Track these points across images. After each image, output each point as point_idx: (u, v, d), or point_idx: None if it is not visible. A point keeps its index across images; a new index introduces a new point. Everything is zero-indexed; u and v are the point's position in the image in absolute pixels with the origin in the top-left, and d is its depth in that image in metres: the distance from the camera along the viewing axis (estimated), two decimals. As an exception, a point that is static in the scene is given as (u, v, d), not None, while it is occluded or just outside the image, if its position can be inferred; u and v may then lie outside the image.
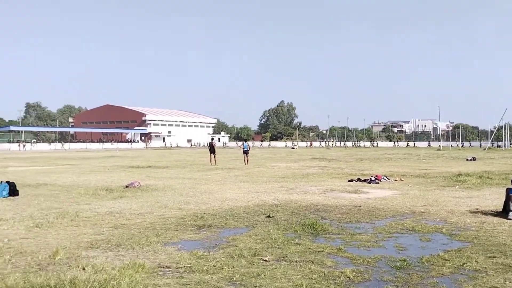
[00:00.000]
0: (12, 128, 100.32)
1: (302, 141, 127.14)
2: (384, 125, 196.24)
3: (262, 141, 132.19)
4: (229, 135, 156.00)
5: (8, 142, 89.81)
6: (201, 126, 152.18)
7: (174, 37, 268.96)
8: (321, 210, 10.45)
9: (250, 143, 45.10)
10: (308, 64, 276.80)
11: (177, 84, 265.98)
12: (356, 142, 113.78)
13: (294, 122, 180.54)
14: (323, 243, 7.17)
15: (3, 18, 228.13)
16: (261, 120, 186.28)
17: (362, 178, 17.68)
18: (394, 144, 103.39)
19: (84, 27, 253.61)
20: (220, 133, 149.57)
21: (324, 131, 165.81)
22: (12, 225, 8.61)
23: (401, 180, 17.69)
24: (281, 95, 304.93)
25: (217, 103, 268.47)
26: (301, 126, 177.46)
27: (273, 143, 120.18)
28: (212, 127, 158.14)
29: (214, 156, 29.53)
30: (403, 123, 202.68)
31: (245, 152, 30.20)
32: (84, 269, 5.68)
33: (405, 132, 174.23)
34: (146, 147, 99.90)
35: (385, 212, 10.10)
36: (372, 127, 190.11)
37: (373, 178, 17.16)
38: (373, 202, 11.66)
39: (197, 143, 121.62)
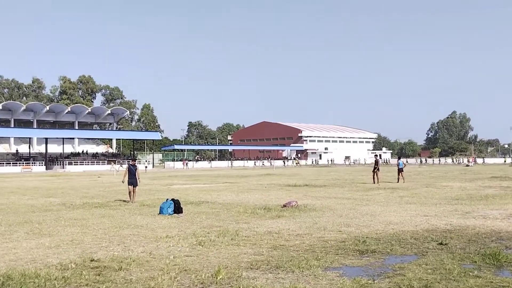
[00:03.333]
0: (176, 146, 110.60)
1: (479, 157, 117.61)
2: None
3: (430, 157, 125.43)
4: (391, 151, 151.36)
5: (172, 161, 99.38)
6: (360, 142, 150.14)
7: (325, 48, 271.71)
8: (505, 238, 9.51)
9: (404, 160, 43.57)
10: (483, 69, 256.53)
11: (333, 97, 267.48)
12: None
13: (469, 135, 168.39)
14: (508, 277, 6.51)
15: (163, 47, 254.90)
16: (428, 134, 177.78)
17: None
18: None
19: (237, 51, 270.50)
20: (381, 149, 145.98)
21: (506, 145, 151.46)
22: (177, 242, 9.42)
23: None
24: (452, 105, 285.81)
25: (378, 116, 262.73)
26: (477, 140, 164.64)
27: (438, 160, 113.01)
28: (372, 142, 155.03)
29: (376, 174, 28.92)
30: None
31: (400, 170, 29.88)
32: (245, 290, 5.96)
33: None
34: (299, 165, 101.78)
35: None
36: None
37: None
38: None
39: (356, 160, 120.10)
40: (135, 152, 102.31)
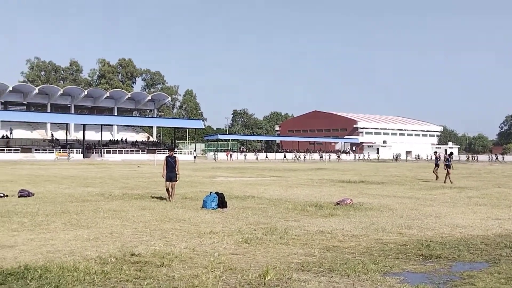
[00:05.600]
0: (220, 136, 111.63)
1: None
2: None
3: (503, 154, 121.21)
4: (458, 146, 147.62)
5: (215, 151, 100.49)
6: (423, 135, 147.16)
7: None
8: None
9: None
10: None
11: (393, 85, 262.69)
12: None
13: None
14: None
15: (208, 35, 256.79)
16: (501, 128, 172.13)
17: None
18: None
19: (300, 35, 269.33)
20: (447, 144, 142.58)
21: None
22: (222, 239, 9.55)
23: None
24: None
25: (444, 107, 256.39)
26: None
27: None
28: (437, 136, 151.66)
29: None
30: None
31: (437, 165, 30.47)
32: (295, 293, 5.98)
33: None
34: (357, 159, 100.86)
35: None
36: None
37: None
38: None
39: (417, 155, 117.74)
40: (176, 141, 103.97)
